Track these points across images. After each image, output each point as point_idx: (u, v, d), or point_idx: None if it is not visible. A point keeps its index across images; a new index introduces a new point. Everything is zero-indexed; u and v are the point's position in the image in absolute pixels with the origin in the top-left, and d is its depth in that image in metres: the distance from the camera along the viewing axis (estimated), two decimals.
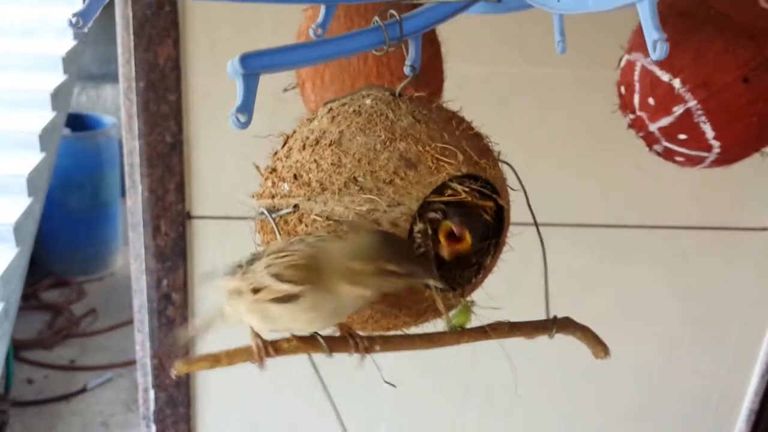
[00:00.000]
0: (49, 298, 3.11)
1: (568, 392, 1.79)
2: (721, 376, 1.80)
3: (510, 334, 0.72)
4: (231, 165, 1.44)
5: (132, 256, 1.53)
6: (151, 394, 1.66)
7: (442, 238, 0.60)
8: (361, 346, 0.65)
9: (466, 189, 0.61)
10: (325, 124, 0.64)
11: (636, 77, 0.81)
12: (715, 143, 0.78)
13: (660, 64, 0.78)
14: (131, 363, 2.55)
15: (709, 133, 0.77)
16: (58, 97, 2.27)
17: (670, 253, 1.67)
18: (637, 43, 0.82)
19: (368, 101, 0.65)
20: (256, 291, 0.59)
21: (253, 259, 0.61)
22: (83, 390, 2.59)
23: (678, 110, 0.77)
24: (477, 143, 0.64)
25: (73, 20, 0.51)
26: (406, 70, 0.65)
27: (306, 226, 0.62)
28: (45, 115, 2.19)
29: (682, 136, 0.79)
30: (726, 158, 0.81)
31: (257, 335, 0.63)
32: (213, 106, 1.45)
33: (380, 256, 0.55)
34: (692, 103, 0.76)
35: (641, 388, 1.81)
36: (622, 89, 0.84)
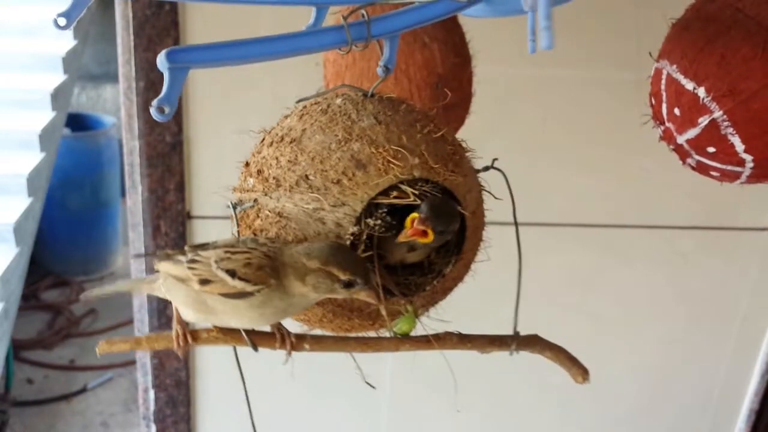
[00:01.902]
0: (49, 298, 3.11)
1: (567, 392, 1.79)
2: (721, 376, 1.81)
3: (459, 346, 0.69)
4: (231, 165, 1.44)
5: (132, 256, 1.53)
6: (151, 394, 1.66)
7: (408, 225, 0.60)
8: (288, 343, 0.65)
9: (416, 192, 0.59)
10: (294, 121, 0.65)
11: (663, 86, 0.76)
12: (747, 157, 0.72)
13: (684, 71, 0.72)
14: (131, 363, 2.55)
15: (739, 145, 0.71)
16: (58, 97, 2.27)
17: (670, 253, 1.67)
18: (666, 50, 0.77)
19: (338, 101, 0.65)
20: (204, 282, 0.59)
21: (199, 249, 0.62)
22: (83, 390, 2.59)
23: (703, 121, 0.72)
24: (438, 147, 0.62)
25: (58, 21, 0.51)
26: (379, 70, 0.64)
27: (261, 220, 0.62)
28: (45, 115, 2.19)
29: (711, 149, 0.73)
30: (762, 173, 0.74)
31: (180, 322, 0.64)
32: (213, 106, 1.45)
33: (330, 260, 0.57)
34: (718, 113, 0.70)
35: (641, 388, 1.81)
36: (652, 99, 0.79)
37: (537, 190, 1.58)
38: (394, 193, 0.59)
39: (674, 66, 0.74)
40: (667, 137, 0.77)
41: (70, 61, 2.40)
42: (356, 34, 0.61)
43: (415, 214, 0.59)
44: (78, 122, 3.28)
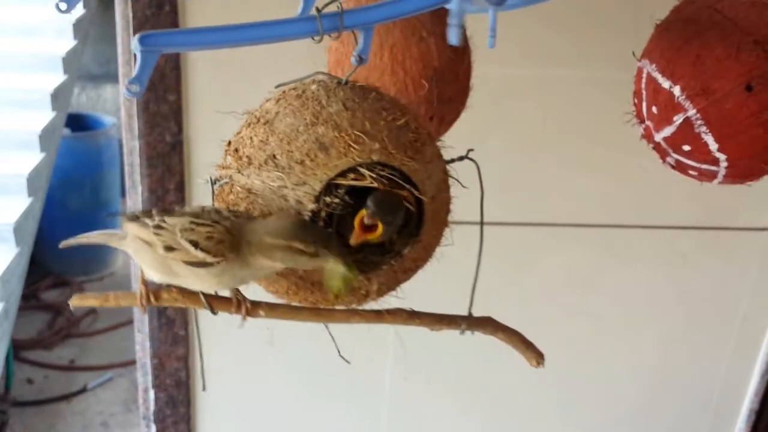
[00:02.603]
0: (49, 298, 3.11)
1: (568, 392, 1.79)
2: (721, 376, 1.81)
3: (408, 321, 0.72)
4: None
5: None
6: (151, 394, 1.66)
7: (356, 226, 0.63)
8: (243, 308, 0.69)
9: (374, 176, 0.63)
10: (271, 104, 0.69)
11: (643, 85, 0.78)
12: (721, 156, 0.73)
13: (662, 70, 0.74)
14: (131, 363, 2.55)
15: (712, 144, 0.72)
16: (58, 97, 2.27)
17: (670, 253, 1.67)
18: (647, 49, 0.78)
19: (314, 87, 0.68)
20: (169, 249, 0.63)
21: (165, 214, 0.65)
22: (83, 390, 2.59)
23: (678, 119, 0.73)
24: (401, 134, 0.66)
25: (59, 4, 0.54)
26: (352, 59, 0.67)
27: (234, 196, 0.67)
28: (45, 115, 2.19)
29: (686, 147, 0.74)
30: (737, 173, 0.75)
31: (144, 283, 0.69)
32: (213, 106, 1.44)
33: (294, 236, 0.61)
34: (691, 112, 0.72)
35: (641, 388, 1.81)
36: (635, 98, 0.81)
37: (537, 190, 1.58)
38: (352, 176, 0.63)
39: (654, 65, 0.75)
40: (647, 135, 0.79)
41: (70, 61, 2.40)
42: (330, 25, 0.63)
43: (363, 212, 0.62)
44: (78, 122, 3.28)
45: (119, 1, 1.39)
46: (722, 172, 0.75)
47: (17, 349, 2.68)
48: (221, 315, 0.71)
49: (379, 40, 0.90)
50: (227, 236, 0.62)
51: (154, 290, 0.69)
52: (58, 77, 2.32)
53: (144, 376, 1.65)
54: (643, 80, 0.77)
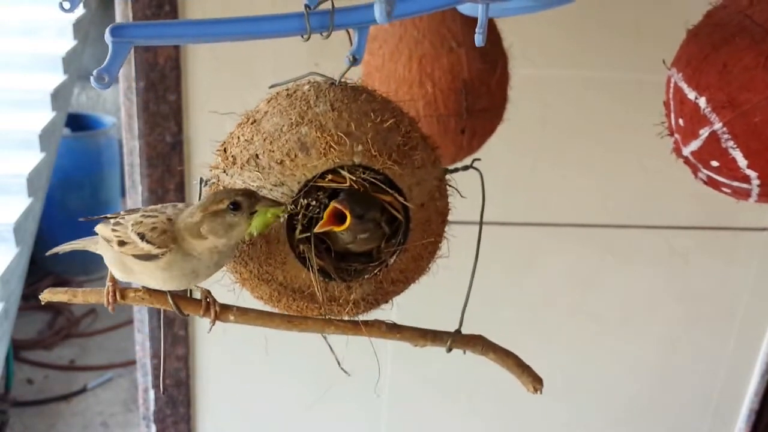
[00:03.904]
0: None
1: (568, 392, 1.79)
2: (721, 376, 1.81)
3: (387, 334, 0.68)
4: None
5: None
6: (151, 394, 1.66)
7: (325, 215, 0.61)
8: (212, 312, 0.67)
9: (353, 178, 0.61)
10: (263, 104, 0.67)
11: (671, 95, 0.72)
12: (751, 173, 0.66)
13: (688, 80, 0.68)
14: (131, 363, 2.55)
15: (741, 160, 0.66)
16: (58, 97, 2.27)
17: (670, 253, 1.67)
18: (676, 57, 0.72)
19: (306, 87, 0.66)
20: (121, 244, 0.63)
21: (128, 212, 0.66)
22: (83, 390, 2.59)
23: (704, 133, 0.67)
24: (388, 137, 0.63)
25: (63, 4, 0.54)
26: (346, 60, 0.64)
27: None
28: (45, 115, 2.19)
29: (715, 163, 0.68)
30: None
31: (112, 280, 0.68)
32: (213, 106, 1.44)
33: (208, 200, 0.60)
34: (718, 125, 0.65)
35: (641, 388, 1.81)
36: (665, 109, 0.74)
37: (537, 190, 1.58)
38: (330, 177, 0.61)
39: (680, 74, 0.70)
40: (676, 149, 0.73)
41: (70, 61, 2.40)
42: (319, 23, 0.61)
43: (332, 204, 0.60)
44: (78, 122, 3.28)
45: (119, 1, 1.39)
46: (755, 190, 0.68)
47: (17, 349, 2.68)
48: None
49: (409, 51, 0.89)
50: (168, 225, 0.61)
51: (121, 288, 0.68)
52: (58, 77, 2.32)
53: (144, 376, 1.65)
54: (671, 90, 0.71)
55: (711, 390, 1.82)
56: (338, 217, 0.61)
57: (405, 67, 0.88)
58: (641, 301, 1.72)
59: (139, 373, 1.66)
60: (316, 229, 0.61)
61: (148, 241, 0.61)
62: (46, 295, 0.70)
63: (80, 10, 2.49)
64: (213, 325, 0.67)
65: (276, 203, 0.59)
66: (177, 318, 1.59)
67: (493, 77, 0.90)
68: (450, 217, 0.70)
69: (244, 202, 0.59)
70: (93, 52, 3.67)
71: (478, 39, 0.64)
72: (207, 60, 1.43)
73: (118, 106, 2.39)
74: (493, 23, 0.95)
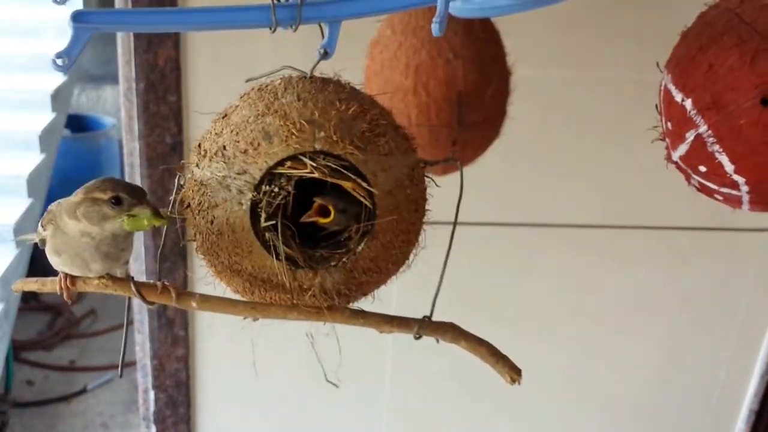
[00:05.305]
0: (49, 299, 3.11)
1: (568, 392, 1.79)
2: (721, 377, 1.80)
3: (350, 320, 0.67)
4: None
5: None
6: (151, 394, 1.66)
7: (313, 207, 0.62)
8: (172, 297, 0.66)
9: (314, 165, 0.61)
10: (237, 100, 0.68)
11: (661, 97, 0.69)
12: (739, 179, 0.63)
13: (675, 82, 0.65)
14: (131, 364, 2.55)
15: (728, 165, 0.63)
16: (58, 97, 2.27)
17: (670, 254, 1.67)
18: (669, 58, 0.69)
19: (277, 81, 0.67)
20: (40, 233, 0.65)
21: None
22: (83, 391, 2.58)
23: (690, 136, 0.64)
24: (352, 124, 0.63)
25: (57, 61, 0.55)
26: (317, 53, 0.64)
27: (189, 190, 0.67)
28: (45, 116, 2.20)
29: (702, 168, 0.65)
30: (763, 199, 0.66)
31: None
32: (213, 107, 1.44)
33: (93, 186, 0.60)
34: (703, 128, 0.63)
35: (641, 388, 1.81)
36: (658, 113, 0.72)
37: (537, 190, 1.58)
38: (289, 163, 0.61)
39: (669, 76, 0.67)
40: (667, 155, 0.71)
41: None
42: (287, 16, 0.61)
43: (317, 200, 0.62)
44: (78, 123, 3.28)
45: (119, 2, 1.39)
46: (745, 197, 0.65)
47: (17, 349, 2.68)
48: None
49: (406, 59, 0.90)
50: (55, 207, 0.62)
51: (71, 277, 0.68)
52: (58, 78, 2.33)
53: (144, 377, 1.65)
54: (661, 92, 0.69)
55: (711, 390, 1.82)
56: (323, 212, 0.62)
57: (402, 74, 0.89)
58: (641, 302, 1.72)
59: (139, 373, 1.66)
60: (303, 219, 0.62)
61: (42, 226, 0.63)
62: (18, 285, 0.70)
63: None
64: (173, 304, 0.67)
65: (157, 213, 0.59)
66: (176, 318, 1.59)
67: (487, 90, 0.90)
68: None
69: (126, 200, 0.59)
70: (93, 53, 3.68)
71: (435, 29, 0.61)
72: (207, 61, 1.43)
73: (118, 107, 2.39)
74: (497, 38, 0.96)
